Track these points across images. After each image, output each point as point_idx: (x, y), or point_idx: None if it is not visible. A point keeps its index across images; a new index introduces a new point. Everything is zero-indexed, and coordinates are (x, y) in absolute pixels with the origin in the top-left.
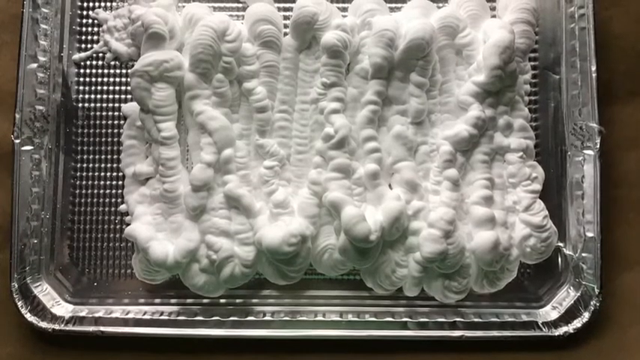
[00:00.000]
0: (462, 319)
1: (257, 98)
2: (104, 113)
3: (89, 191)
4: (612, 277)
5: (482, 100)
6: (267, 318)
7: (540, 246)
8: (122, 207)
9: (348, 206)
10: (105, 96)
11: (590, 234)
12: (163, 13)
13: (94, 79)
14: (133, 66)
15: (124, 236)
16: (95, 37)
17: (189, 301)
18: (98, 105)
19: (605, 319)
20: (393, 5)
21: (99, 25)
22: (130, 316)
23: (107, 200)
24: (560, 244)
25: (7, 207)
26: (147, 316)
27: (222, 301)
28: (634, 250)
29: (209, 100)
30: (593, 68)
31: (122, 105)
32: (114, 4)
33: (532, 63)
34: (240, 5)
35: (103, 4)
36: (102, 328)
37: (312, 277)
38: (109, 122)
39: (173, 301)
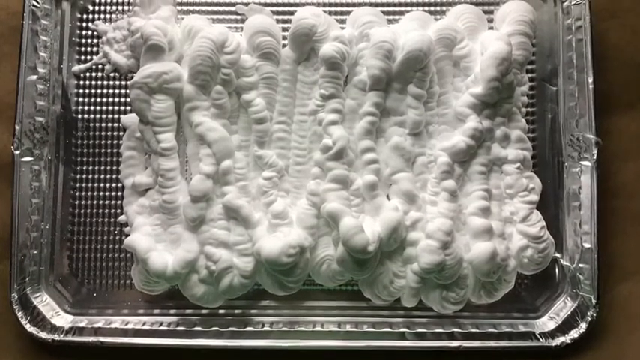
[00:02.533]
0: (460, 330)
1: (256, 110)
2: (104, 124)
3: (89, 202)
4: (609, 287)
5: (480, 111)
6: (266, 328)
7: (537, 257)
8: (121, 218)
9: (347, 217)
10: (104, 107)
11: (587, 245)
12: (162, 25)
13: (93, 91)
14: (132, 77)
15: (124, 247)
16: (95, 49)
17: (188, 311)
18: (98, 116)
19: (602, 329)
20: (391, 17)
21: (98, 37)
22: (130, 326)
23: (107, 211)
24: (558, 255)
25: (7, 218)
26: (146, 327)
27: (221, 311)
28: (631, 261)
29: (208, 112)
30: (590, 80)
31: (121, 116)
32: (113, 16)
33: (529, 75)
34: (239, 17)
35: (102, 16)
36: (101, 339)
37: (310, 288)
38: (109, 133)
39: (172, 311)
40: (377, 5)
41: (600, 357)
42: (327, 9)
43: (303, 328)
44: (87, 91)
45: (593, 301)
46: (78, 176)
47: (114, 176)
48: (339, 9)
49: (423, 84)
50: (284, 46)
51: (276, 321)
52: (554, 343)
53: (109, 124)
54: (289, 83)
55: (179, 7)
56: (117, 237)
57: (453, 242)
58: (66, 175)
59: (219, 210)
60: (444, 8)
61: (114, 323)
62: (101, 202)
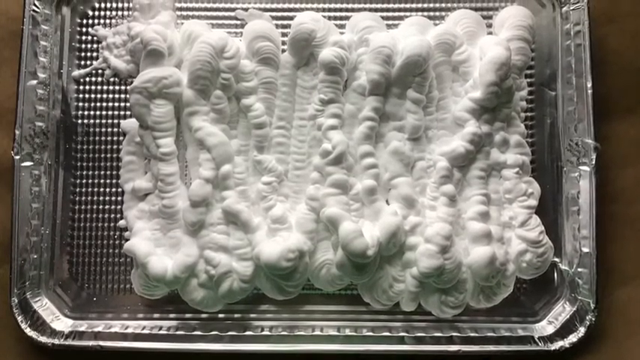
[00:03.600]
0: (459, 334)
1: (255, 114)
2: (103, 129)
3: (88, 207)
4: (608, 292)
5: (479, 116)
6: (265, 333)
7: (536, 261)
8: (121, 222)
9: (346, 222)
10: (104, 112)
11: (585, 249)
12: (162, 30)
13: (93, 96)
14: (132, 82)
15: (123, 251)
16: (94, 54)
17: (187, 315)
18: (97, 121)
19: (600, 333)
20: (391, 22)
21: (98, 42)
22: (129, 330)
23: (106, 216)
24: (556, 260)
25: (7, 223)
26: (146, 331)
27: (221, 315)
28: (630, 266)
29: (207, 117)
30: (589, 85)
31: (121, 121)
32: (113, 21)
33: (528, 79)
34: (238, 22)
35: (102, 21)
36: (101, 343)
37: (309, 292)
38: (109, 138)
39: (172, 315)
40: (376, 10)
41: None
42: (326, 14)
43: (302, 333)
44: (87, 96)
45: (592, 306)
46: (78, 181)
47: (114, 181)
48: (338, 14)
49: (422, 89)
50: (283, 51)
51: (275, 325)
52: (552, 348)
53: (109, 129)
54: (289, 88)
55: (179, 12)
56: (117, 241)
57: (452, 247)
58: (66, 179)
59: (218, 214)
60: (443, 13)
61: (114, 327)
62: (101, 207)
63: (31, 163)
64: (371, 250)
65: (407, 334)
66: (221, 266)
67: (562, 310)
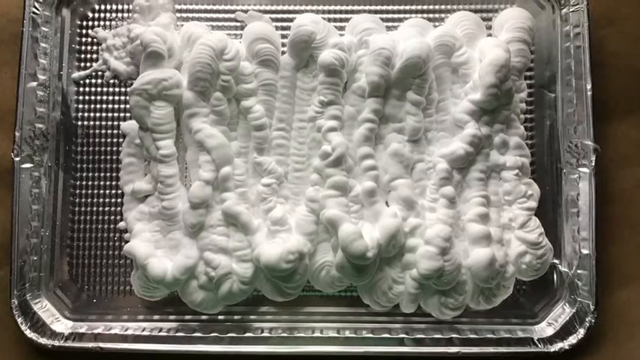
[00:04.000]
0: (459, 336)
1: (255, 116)
2: (103, 131)
3: (88, 208)
4: (607, 293)
5: (479, 118)
6: (265, 334)
7: (536, 263)
8: (121, 224)
9: (346, 223)
10: (104, 114)
11: (585, 251)
12: (162, 32)
13: (93, 98)
14: (132, 84)
15: (123, 253)
16: (94, 56)
17: (187, 317)
18: (97, 123)
19: (600, 335)
20: (390, 24)
21: (98, 44)
22: (129, 332)
23: (106, 217)
24: (556, 261)
25: (7, 224)
26: (146, 332)
27: (221, 317)
28: (629, 267)
29: (207, 118)
30: (589, 86)
31: (121, 123)
32: (113, 23)
33: (528, 81)
34: (238, 24)
35: (102, 23)
36: (101, 344)
37: (309, 294)
38: (108, 140)
39: (172, 317)
40: (376, 12)
41: None
42: (326, 16)
43: (302, 334)
44: (87, 97)
45: (592, 307)
46: (78, 183)
47: (113, 183)
48: (338, 16)
49: (421, 91)
50: (283, 52)
51: (275, 327)
52: (552, 349)
53: (109, 131)
54: (288, 90)
55: (178, 14)
56: (116, 243)
57: (452, 248)
58: (66, 181)
59: (218, 216)
60: (443, 15)
61: (113, 329)
62: (101, 209)
63: (31, 165)
64: (371, 251)
65: (407, 336)
66: (221, 268)
67: (562, 312)
